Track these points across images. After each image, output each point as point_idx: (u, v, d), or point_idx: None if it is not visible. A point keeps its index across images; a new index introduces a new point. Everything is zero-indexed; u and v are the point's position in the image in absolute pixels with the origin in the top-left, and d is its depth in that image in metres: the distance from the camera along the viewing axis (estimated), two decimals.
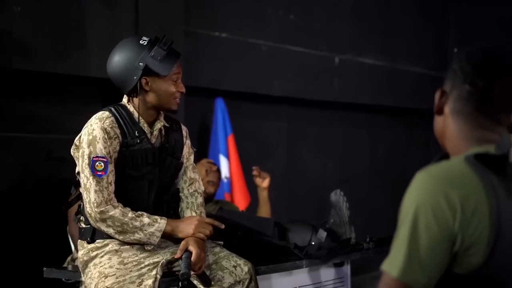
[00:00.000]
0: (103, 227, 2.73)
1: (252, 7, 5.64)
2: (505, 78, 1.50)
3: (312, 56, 6.11)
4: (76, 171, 2.85)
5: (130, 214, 2.73)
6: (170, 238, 2.89)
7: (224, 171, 5.21)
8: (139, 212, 2.76)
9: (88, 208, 2.73)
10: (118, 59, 2.81)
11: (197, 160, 4.99)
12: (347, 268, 3.67)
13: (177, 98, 2.85)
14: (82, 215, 2.85)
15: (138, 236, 2.74)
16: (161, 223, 2.77)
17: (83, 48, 4.32)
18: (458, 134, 1.53)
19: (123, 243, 2.79)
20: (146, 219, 2.75)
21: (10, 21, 4.00)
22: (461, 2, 7.44)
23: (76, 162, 2.83)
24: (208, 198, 4.49)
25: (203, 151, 5.33)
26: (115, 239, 2.77)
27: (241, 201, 5.26)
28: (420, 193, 1.41)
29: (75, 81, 4.47)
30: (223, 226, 2.94)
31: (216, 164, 4.83)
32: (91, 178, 2.71)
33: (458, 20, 7.54)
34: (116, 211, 2.71)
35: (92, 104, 4.38)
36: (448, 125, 1.55)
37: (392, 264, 1.41)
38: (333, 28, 6.35)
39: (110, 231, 2.73)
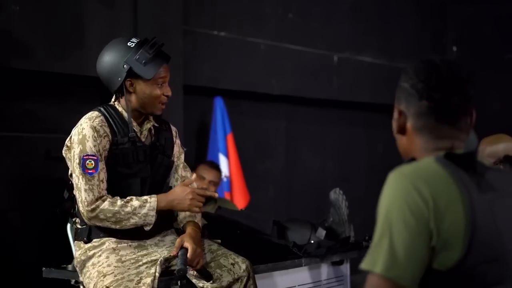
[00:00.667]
0: (98, 223, 2.75)
1: (251, 6, 5.63)
2: (459, 86, 1.55)
3: (311, 54, 6.11)
4: (69, 173, 2.86)
5: (119, 202, 2.74)
6: (168, 224, 2.94)
7: (224, 170, 5.21)
8: (128, 197, 2.77)
9: (80, 208, 2.75)
10: (105, 59, 2.85)
11: (196, 160, 5.00)
12: (346, 267, 3.67)
13: (163, 102, 2.85)
14: (77, 217, 2.87)
15: (134, 220, 2.76)
16: (152, 201, 2.77)
17: (81, 48, 4.32)
18: (424, 147, 1.58)
19: (120, 241, 2.81)
20: (136, 202, 2.76)
21: (9, 21, 4.00)
22: (459, 1, 7.44)
23: (68, 163, 2.85)
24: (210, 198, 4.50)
25: (202, 150, 5.33)
26: (114, 231, 2.78)
27: (240, 200, 5.27)
28: (394, 191, 1.45)
29: (74, 81, 4.46)
30: (216, 195, 3.05)
31: (216, 163, 4.84)
32: (81, 177, 2.73)
33: (457, 18, 7.53)
34: (105, 204, 2.73)
35: (90, 103, 4.34)
36: (413, 141, 1.60)
37: (375, 262, 1.42)
38: (332, 26, 6.35)
39: (106, 223, 2.75)
